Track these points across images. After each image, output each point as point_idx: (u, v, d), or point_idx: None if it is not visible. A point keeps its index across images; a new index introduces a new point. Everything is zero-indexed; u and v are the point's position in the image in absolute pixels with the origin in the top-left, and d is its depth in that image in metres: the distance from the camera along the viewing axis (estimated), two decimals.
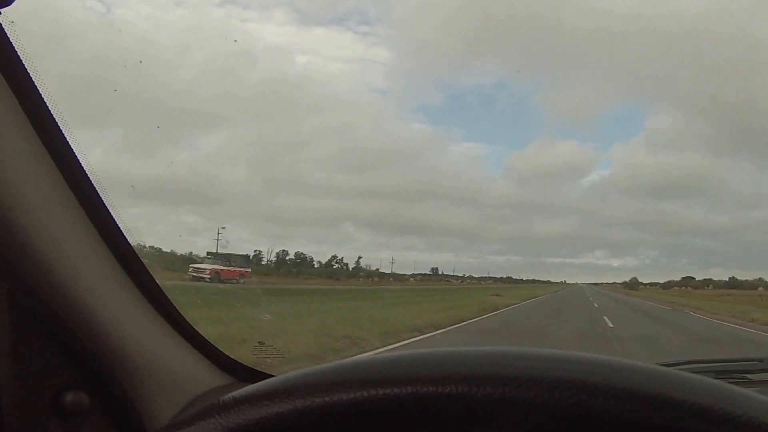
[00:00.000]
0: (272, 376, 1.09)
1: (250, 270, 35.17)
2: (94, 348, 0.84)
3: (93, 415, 0.88)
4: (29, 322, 0.81)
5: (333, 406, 0.49)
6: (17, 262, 0.74)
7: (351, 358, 0.55)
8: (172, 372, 0.92)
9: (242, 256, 36.63)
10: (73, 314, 0.80)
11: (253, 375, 1.06)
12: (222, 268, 30.98)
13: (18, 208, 0.71)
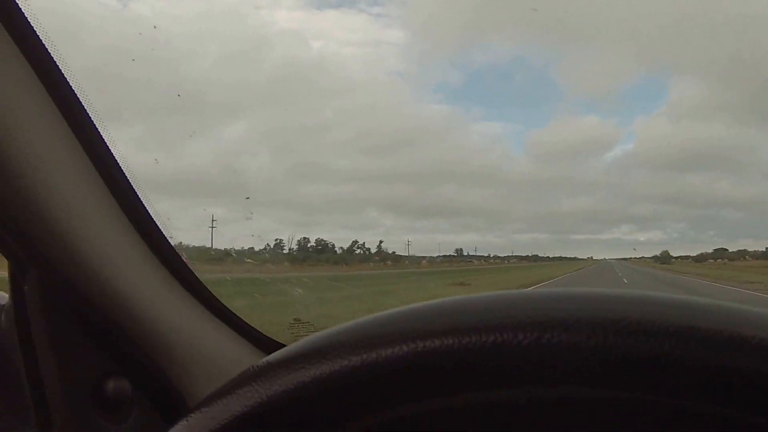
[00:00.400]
0: None
1: None
2: (131, 334, 0.89)
3: (138, 402, 0.92)
4: (63, 311, 0.86)
5: (390, 361, 0.46)
6: (49, 249, 0.79)
7: (401, 308, 0.52)
8: (211, 353, 0.97)
9: None
10: (108, 300, 0.85)
11: None
12: None
13: (48, 196, 0.76)
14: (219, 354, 0.99)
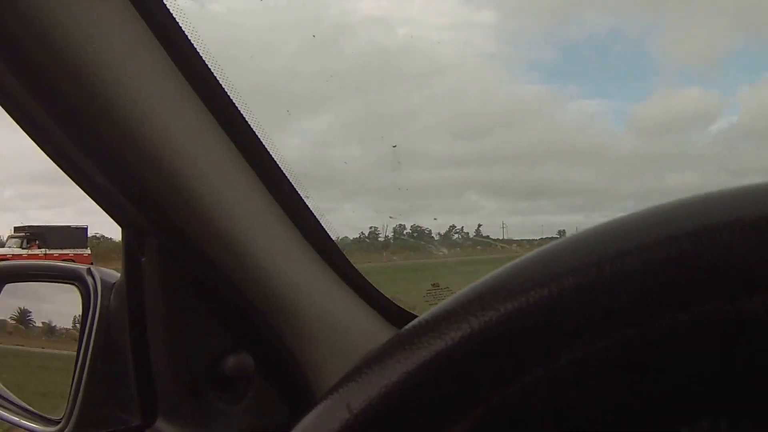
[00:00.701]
0: None
1: (89, 252, 25.64)
2: (261, 306, 0.83)
3: (257, 380, 0.88)
4: (183, 283, 0.82)
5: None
6: (178, 214, 0.74)
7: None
8: (341, 328, 0.91)
9: (72, 228, 26.73)
10: (240, 269, 0.80)
11: None
12: (20, 252, 23.23)
13: (180, 160, 0.72)
14: (349, 328, 0.92)
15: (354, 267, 0.94)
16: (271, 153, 0.82)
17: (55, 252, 23.95)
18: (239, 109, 0.78)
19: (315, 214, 0.88)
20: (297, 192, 0.85)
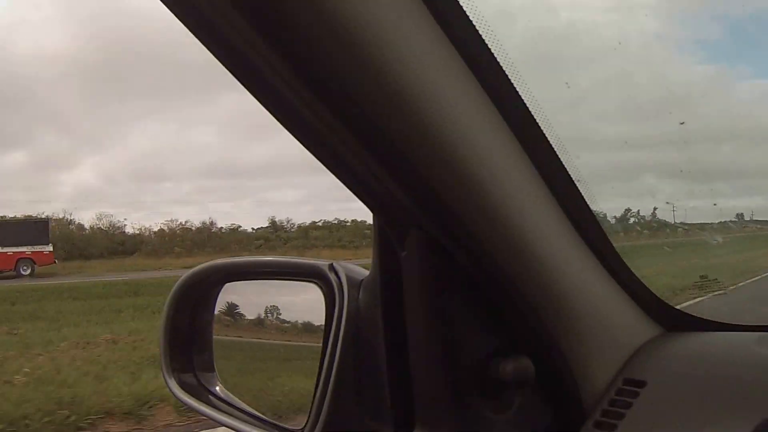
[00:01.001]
0: (714, 321, 0.96)
1: (50, 249, 23.49)
2: (540, 305, 0.77)
3: (531, 386, 0.81)
4: (450, 280, 0.77)
5: None
6: (459, 204, 0.69)
7: None
8: (609, 326, 0.84)
9: (31, 221, 24.67)
10: (521, 266, 0.74)
11: (687, 322, 0.93)
12: None
13: (459, 145, 0.65)
14: (615, 325, 0.85)
15: (622, 259, 0.86)
16: (555, 148, 0.76)
17: (9, 250, 21.25)
18: (527, 105, 0.72)
19: (587, 202, 0.81)
20: (571, 179, 0.79)
